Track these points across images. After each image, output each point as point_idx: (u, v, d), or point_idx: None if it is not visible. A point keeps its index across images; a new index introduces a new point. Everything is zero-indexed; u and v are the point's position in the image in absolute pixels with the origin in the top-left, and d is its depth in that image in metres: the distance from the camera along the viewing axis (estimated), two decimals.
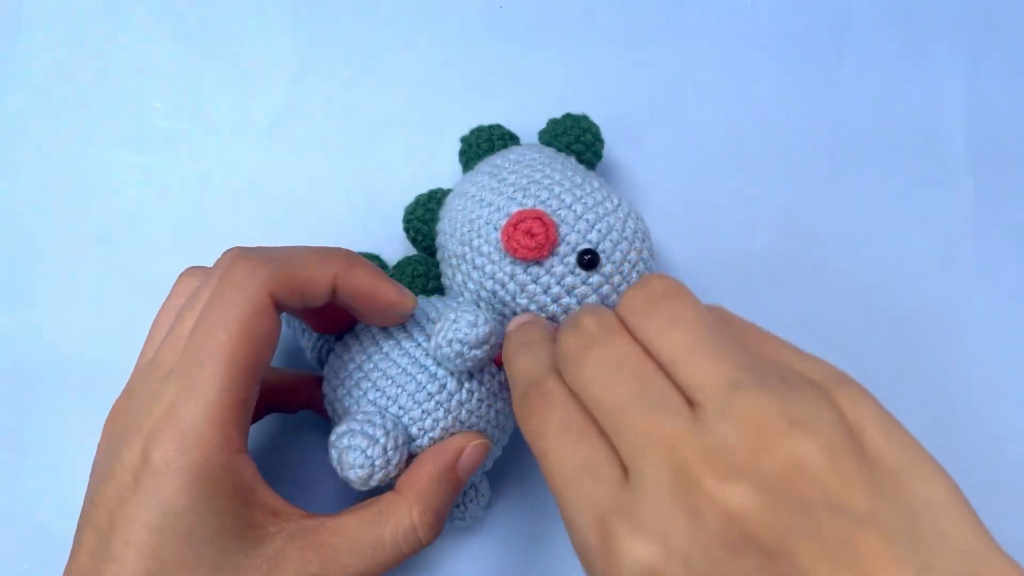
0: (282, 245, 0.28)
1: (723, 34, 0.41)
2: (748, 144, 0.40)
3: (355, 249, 0.33)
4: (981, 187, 0.39)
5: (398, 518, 0.27)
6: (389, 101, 0.40)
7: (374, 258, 0.35)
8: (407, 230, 0.35)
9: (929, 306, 0.38)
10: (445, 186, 0.35)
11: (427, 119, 0.39)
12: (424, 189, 0.37)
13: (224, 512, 0.24)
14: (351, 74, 0.40)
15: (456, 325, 0.28)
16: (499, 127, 0.36)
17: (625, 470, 0.21)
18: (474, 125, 0.36)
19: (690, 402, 0.21)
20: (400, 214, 0.36)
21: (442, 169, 0.38)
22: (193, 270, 0.30)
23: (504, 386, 0.31)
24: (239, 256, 0.26)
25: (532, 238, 0.29)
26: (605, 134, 0.35)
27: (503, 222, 0.30)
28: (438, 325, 0.28)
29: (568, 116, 0.35)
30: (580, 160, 0.34)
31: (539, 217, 0.29)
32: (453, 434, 0.29)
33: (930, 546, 0.18)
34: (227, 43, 0.40)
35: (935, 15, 0.41)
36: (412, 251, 0.36)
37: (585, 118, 0.35)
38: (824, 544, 0.18)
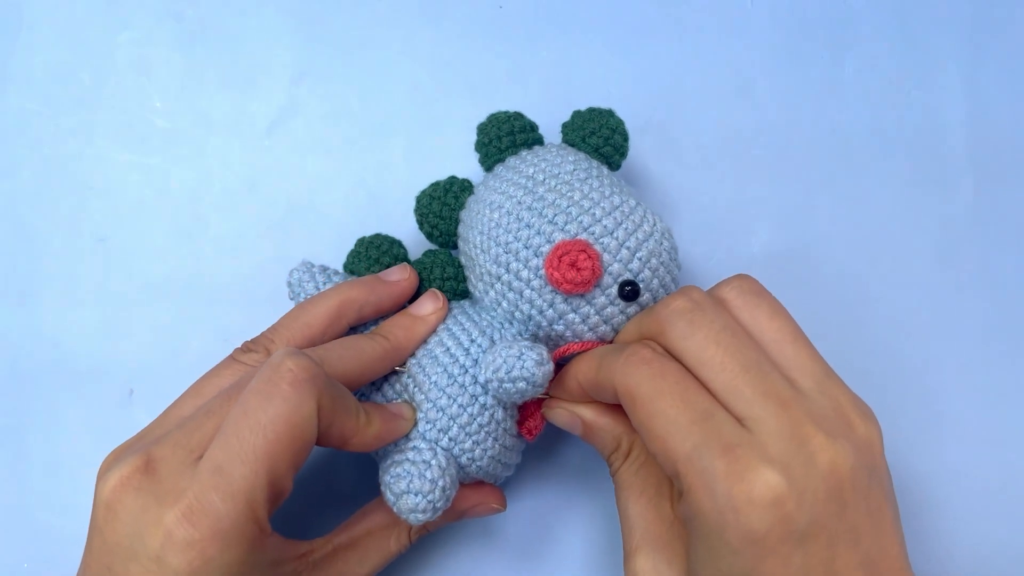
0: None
1: (723, 34, 0.41)
2: (748, 144, 0.40)
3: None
4: (981, 187, 0.39)
5: (400, 531, 0.30)
6: (389, 101, 0.40)
7: (397, 245, 0.34)
8: (421, 224, 0.34)
9: (928, 306, 0.38)
10: None
11: (427, 119, 0.39)
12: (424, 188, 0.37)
13: None
14: (351, 74, 0.40)
15: (523, 363, 0.27)
16: (519, 117, 0.34)
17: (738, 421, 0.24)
18: (475, 125, 0.36)
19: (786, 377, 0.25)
20: (400, 214, 0.36)
21: (442, 169, 0.38)
22: (241, 356, 0.29)
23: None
24: (302, 356, 0.25)
25: (578, 272, 0.28)
26: None
27: (544, 248, 0.29)
28: (497, 359, 0.28)
29: (593, 112, 0.33)
30: (607, 162, 0.33)
31: (584, 249, 0.28)
32: (498, 458, 0.30)
33: (895, 508, 0.26)
34: (227, 43, 0.40)
35: (935, 15, 0.41)
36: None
37: (611, 115, 0.33)
38: (869, 506, 0.24)
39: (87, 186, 0.38)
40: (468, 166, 0.35)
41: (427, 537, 0.35)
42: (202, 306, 0.37)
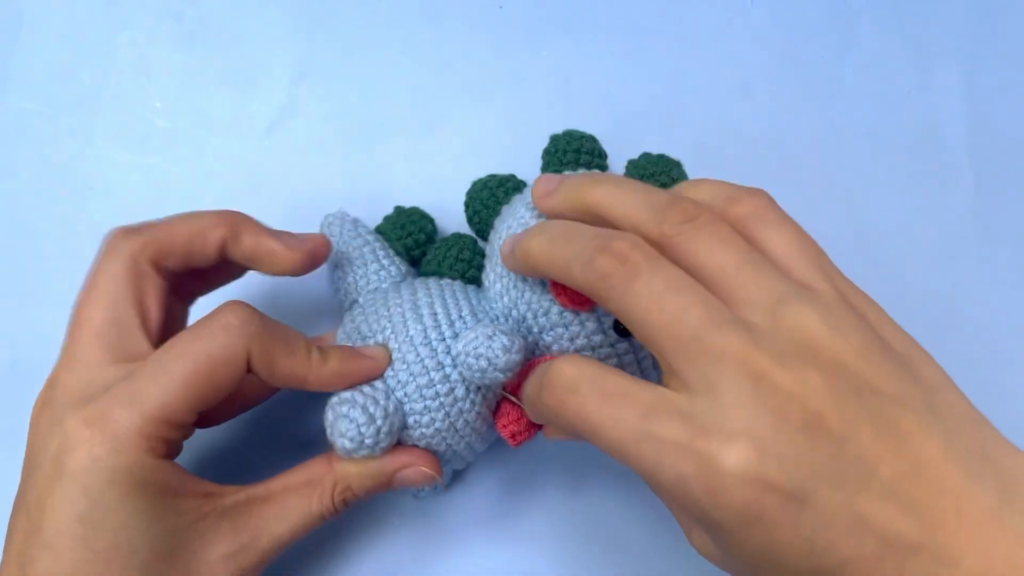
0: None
1: (723, 34, 0.41)
2: (748, 144, 0.40)
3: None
4: (981, 186, 0.39)
5: (323, 489, 0.29)
6: (389, 101, 0.40)
7: (428, 220, 0.35)
8: (467, 207, 0.34)
9: (928, 306, 0.38)
10: (444, 184, 0.35)
11: (427, 119, 0.39)
12: (424, 189, 0.37)
13: (155, 507, 0.25)
14: (351, 74, 0.40)
15: (491, 343, 0.27)
16: (593, 140, 0.34)
17: (684, 388, 0.22)
18: (475, 125, 0.36)
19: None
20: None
21: (442, 169, 0.38)
22: (123, 241, 0.29)
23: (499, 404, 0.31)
24: (240, 306, 0.27)
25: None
26: (605, 135, 0.35)
27: None
28: (471, 334, 0.28)
29: (662, 158, 0.34)
30: None
31: None
32: (444, 437, 0.29)
33: (946, 415, 0.22)
34: (227, 43, 0.40)
35: (935, 15, 0.41)
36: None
37: (677, 166, 0.34)
38: (876, 426, 0.21)
39: (87, 186, 0.38)
40: (469, 166, 0.35)
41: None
42: (202, 306, 0.37)
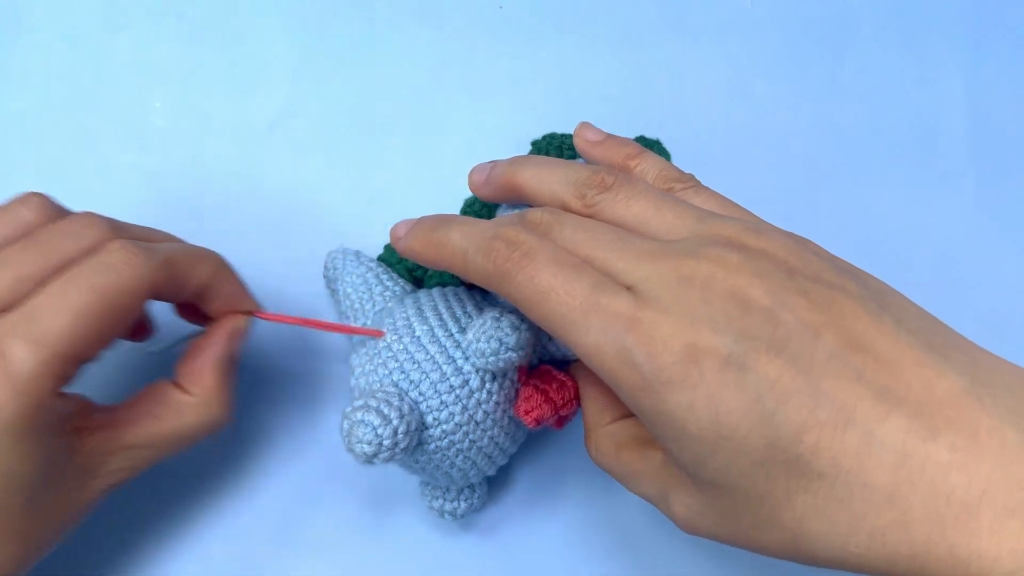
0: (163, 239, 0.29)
1: (723, 34, 0.41)
2: (748, 144, 0.40)
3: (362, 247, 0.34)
4: (982, 186, 0.39)
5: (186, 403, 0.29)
6: (389, 101, 0.40)
7: None
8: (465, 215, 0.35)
9: (929, 306, 0.38)
10: (444, 184, 0.35)
11: (427, 119, 0.39)
12: (424, 189, 0.37)
13: (47, 445, 0.24)
14: (351, 74, 0.40)
15: (500, 324, 0.28)
16: (571, 137, 0.35)
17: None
18: (475, 125, 0.36)
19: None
20: (399, 214, 0.36)
21: (442, 169, 0.38)
22: (33, 202, 0.28)
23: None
24: (127, 244, 0.26)
25: None
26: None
27: None
28: (478, 321, 0.28)
29: (640, 140, 0.34)
30: None
31: None
32: (467, 432, 0.29)
33: (897, 312, 0.22)
34: (227, 43, 0.40)
35: (935, 15, 0.41)
36: None
37: (656, 144, 0.34)
38: (812, 301, 0.21)
39: (87, 186, 0.38)
40: (469, 166, 0.35)
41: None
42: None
